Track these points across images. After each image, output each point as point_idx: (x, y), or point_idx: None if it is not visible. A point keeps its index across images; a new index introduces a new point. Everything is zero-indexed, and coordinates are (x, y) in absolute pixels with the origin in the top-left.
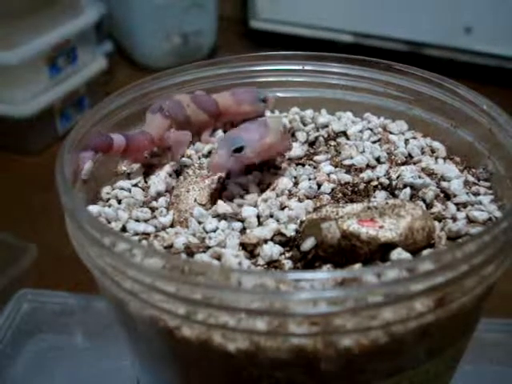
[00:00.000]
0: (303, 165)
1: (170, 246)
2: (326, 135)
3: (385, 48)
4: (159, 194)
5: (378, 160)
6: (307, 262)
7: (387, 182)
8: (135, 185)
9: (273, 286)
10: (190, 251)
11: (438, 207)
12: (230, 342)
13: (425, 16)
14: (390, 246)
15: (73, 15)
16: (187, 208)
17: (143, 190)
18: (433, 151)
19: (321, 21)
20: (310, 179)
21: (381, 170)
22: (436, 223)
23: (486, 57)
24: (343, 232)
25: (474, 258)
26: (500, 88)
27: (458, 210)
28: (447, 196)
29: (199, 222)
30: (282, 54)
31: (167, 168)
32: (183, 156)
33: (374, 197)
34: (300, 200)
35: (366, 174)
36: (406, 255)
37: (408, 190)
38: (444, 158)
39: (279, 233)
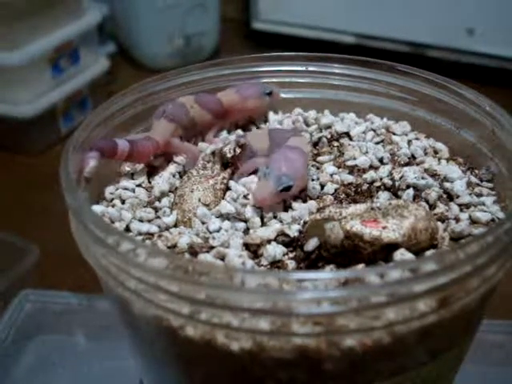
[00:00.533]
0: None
1: (174, 246)
2: (329, 136)
3: (387, 49)
4: (163, 194)
5: (381, 161)
6: (310, 262)
7: (390, 182)
8: (139, 185)
9: (276, 285)
10: (193, 251)
11: (440, 208)
12: (233, 341)
13: (427, 17)
14: (393, 246)
15: (75, 16)
16: (191, 208)
17: (147, 190)
18: (436, 152)
19: (323, 22)
20: (313, 180)
21: (384, 170)
22: (439, 224)
23: (488, 58)
24: (346, 232)
25: (477, 259)
26: (502, 89)
27: (461, 210)
28: (450, 197)
29: (203, 222)
30: (286, 54)
31: (171, 168)
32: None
33: (377, 197)
34: (303, 200)
35: (369, 175)
36: (409, 256)
37: (411, 191)
38: (447, 159)
39: (283, 233)
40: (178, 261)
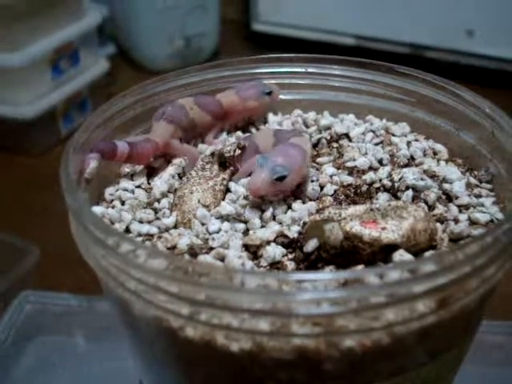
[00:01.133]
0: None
1: (174, 247)
2: (328, 137)
3: (387, 50)
4: (162, 196)
5: (380, 162)
6: (310, 263)
7: (389, 183)
8: (138, 186)
9: (276, 286)
10: (193, 252)
11: (440, 209)
12: (233, 342)
13: (426, 19)
14: (392, 247)
15: (75, 18)
16: (190, 209)
17: (146, 191)
18: (435, 153)
19: (323, 23)
20: (312, 181)
21: (383, 171)
22: (438, 225)
23: (487, 59)
24: (346, 233)
25: (476, 260)
26: (502, 90)
27: (460, 211)
28: (449, 198)
29: (202, 224)
30: (285, 56)
31: (170, 169)
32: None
33: (377, 199)
34: (303, 202)
35: (369, 176)
36: (409, 256)
37: (410, 192)
38: (446, 160)
39: (282, 234)
40: (178, 262)
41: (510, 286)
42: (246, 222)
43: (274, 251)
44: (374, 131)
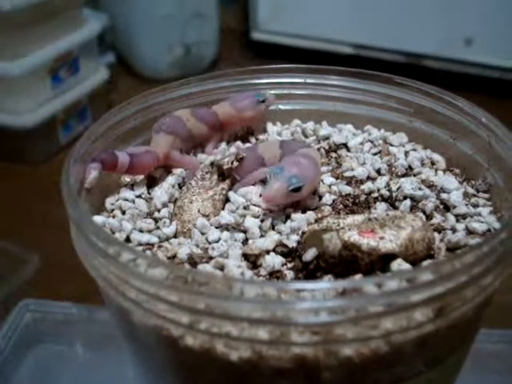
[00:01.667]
0: None
1: (174, 257)
2: (327, 147)
3: (385, 59)
4: (163, 205)
5: (378, 172)
6: (309, 272)
7: (388, 193)
8: (139, 196)
9: (275, 295)
10: (193, 261)
11: (437, 218)
12: (232, 350)
13: (424, 27)
14: (390, 256)
15: (75, 27)
16: (190, 219)
17: (147, 200)
18: (433, 163)
19: (321, 32)
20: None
21: (381, 181)
22: (436, 234)
23: (485, 68)
24: (344, 243)
25: (473, 269)
26: (500, 99)
27: (458, 221)
28: (447, 207)
29: (202, 233)
30: (284, 67)
31: (170, 179)
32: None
33: (375, 208)
34: (302, 211)
35: (367, 186)
36: (406, 266)
37: (408, 202)
38: (444, 170)
39: (281, 244)
40: (178, 271)
41: (508, 295)
42: (245, 232)
43: (273, 260)
44: (372, 141)
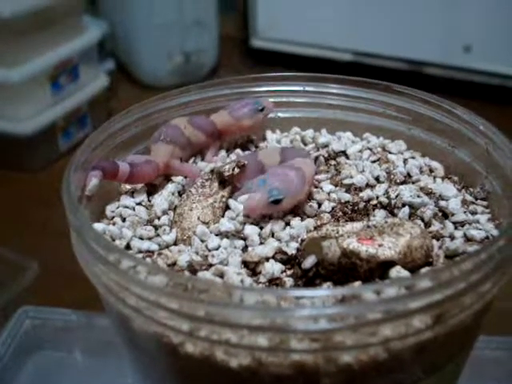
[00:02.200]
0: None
1: (174, 264)
2: (326, 155)
3: (384, 67)
4: (163, 213)
5: (377, 179)
6: (308, 279)
7: (386, 201)
8: (139, 203)
9: (274, 303)
10: (193, 269)
11: (436, 226)
12: (232, 357)
13: (424, 35)
14: (389, 263)
15: (75, 34)
16: (190, 226)
17: (147, 208)
18: (431, 171)
19: (320, 39)
20: (310, 198)
21: (380, 189)
22: (434, 241)
23: (485, 75)
24: (343, 250)
25: (471, 276)
26: (500, 106)
27: (456, 228)
28: (445, 215)
29: (202, 240)
30: (284, 75)
31: (170, 187)
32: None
33: (374, 216)
34: (301, 218)
35: (366, 193)
36: (405, 273)
37: (407, 209)
38: (442, 178)
39: (281, 251)
40: (178, 278)
41: (507, 302)
42: (244, 239)
43: (273, 268)
44: (371, 149)
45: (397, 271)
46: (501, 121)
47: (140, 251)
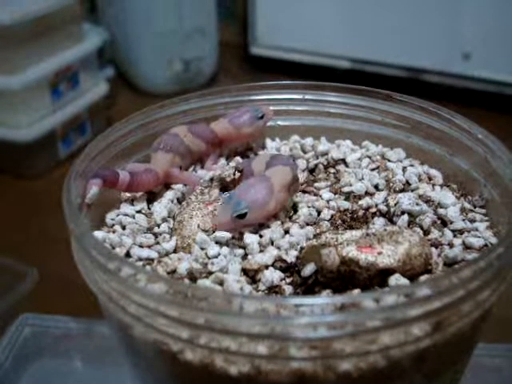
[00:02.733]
0: (304, 192)
1: (174, 272)
2: (325, 163)
3: (383, 74)
4: (162, 220)
5: (376, 187)
6: (307, 287)
7: (385, 208)
8: (139, 211)
9: (274, 310)
10: (192, 276)
11: (435, 234)
12: (231, 365)
13: (423, 42)
14: (388, 271)
15: (75, 41)
16: (190, 234)
17: (147, 216)
18: (430, 178)
19: (319, 47)
20: (309, 206)
21: (379, 197)
22: (433, 249)
23: (484, 83)
24: (342, 258)
25: (470, 283)
26: (499, 114)
27: (455, 236)
28: (444, 223)
29: (202, 248)
30: (283, 83)
31: (169, 194)
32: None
33: (373, 223)
34: (300, 226)
35: (365, 201)
36: (404, 281)
37: (406, 217)
38: (441, 186)
39: (280, 259)
40: (178, 286)
41: (506, 309)
42: (244, 247)
43: (272, 275)
44: (370, 157)
45: (396, 279)
46: (500, 129)
47: (140, 259)
